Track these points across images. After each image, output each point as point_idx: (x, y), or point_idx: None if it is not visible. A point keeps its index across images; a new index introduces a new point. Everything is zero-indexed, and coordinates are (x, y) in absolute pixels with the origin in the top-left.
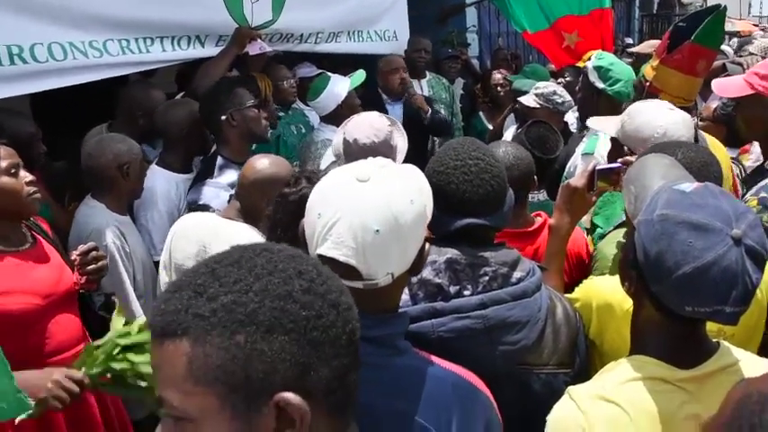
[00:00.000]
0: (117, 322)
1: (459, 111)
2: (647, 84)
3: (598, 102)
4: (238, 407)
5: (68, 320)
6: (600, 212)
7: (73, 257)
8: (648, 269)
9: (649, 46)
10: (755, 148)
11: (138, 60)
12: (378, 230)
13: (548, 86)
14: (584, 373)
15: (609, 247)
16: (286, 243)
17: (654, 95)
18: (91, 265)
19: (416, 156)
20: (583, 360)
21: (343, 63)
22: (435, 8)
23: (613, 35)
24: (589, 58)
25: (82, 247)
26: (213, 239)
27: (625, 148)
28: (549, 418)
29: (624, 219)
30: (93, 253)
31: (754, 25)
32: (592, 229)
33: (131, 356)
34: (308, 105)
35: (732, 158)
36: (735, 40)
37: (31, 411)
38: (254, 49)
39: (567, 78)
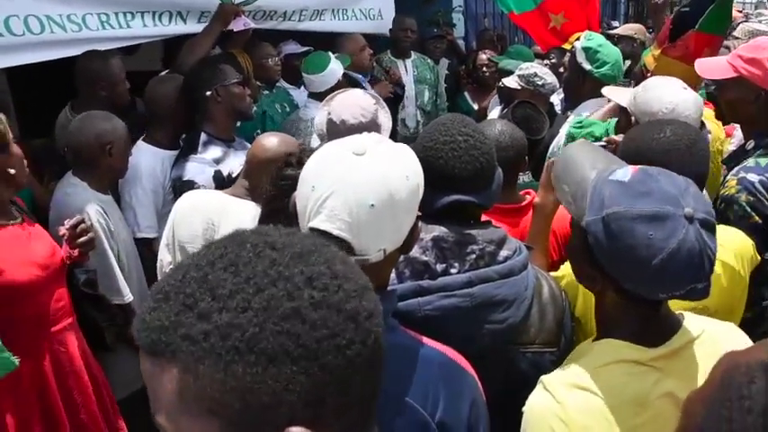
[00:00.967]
0: None
1: (443, 91)
2: (649, 74)
3: (584, 83)
4: None
5: (61, 293)
6: None
7: (61, 232)
8: (616, 270)
9: (629, 29)
10: (738, 132)
11: (118, 35)
12: (373, 205)
13: (530, 68)
14: (569, 352)
15: None
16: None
17: None
18: (81, 238)
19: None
20: (568, 339)
21: (321, 42)
22: None
23: (600, 18)
24: (577, 39)
25: (70, 221)
26: (221, 217)
27: (632, 119)
28: (525, 409)
29: None
30: (82, 225)
31: (738, 11)
32: None
33: None
34: (291, 84)
35: None
36: None
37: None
38: (237, 25)
39: (553, 60)
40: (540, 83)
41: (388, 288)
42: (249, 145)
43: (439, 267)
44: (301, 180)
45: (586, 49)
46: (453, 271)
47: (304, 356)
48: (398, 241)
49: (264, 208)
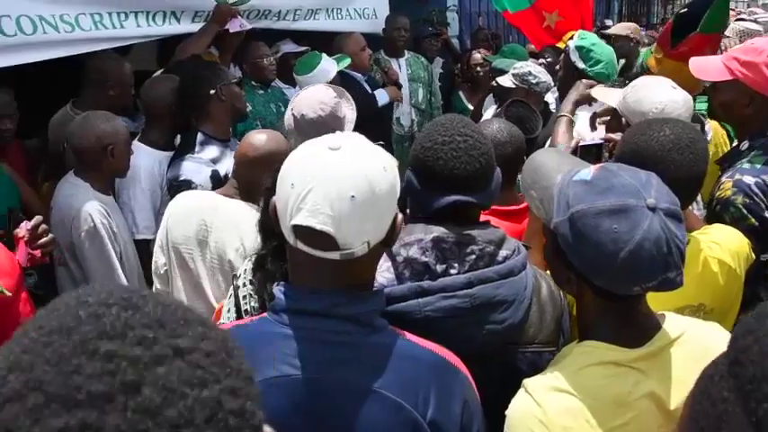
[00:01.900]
0: None
1: (437, 90)
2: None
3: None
4: None
5: (26, 299)
6: None
7: (21, 234)
8: (586, 268)
9: (624, 28)
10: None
11: (111, 36)
12: (353, 196)
13: (524, 66)
14: None
15: None
16: None
17: None
18: (42, 239)
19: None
20: (567, 338)
21: (321, 41)
22: None
23: (593, 16)
24: (571, 38)
25: (30, 223)
26: (214, 217)
27: (623, 120)
28: (507, 413)
29: None
30: (43, 226)
31: (731, 10)
32: None
33: None
34: (285, 84)
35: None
36: None
37: None
38: (234, 26)
39: (548, 59)
40: (534, 81)
41: (386, 289)
42: None
43: (439, 268)
44: (280, 180)
45: (580, 48)
46: (453, 272)
47: None
48: (381, 233)
49: (265, 203)
